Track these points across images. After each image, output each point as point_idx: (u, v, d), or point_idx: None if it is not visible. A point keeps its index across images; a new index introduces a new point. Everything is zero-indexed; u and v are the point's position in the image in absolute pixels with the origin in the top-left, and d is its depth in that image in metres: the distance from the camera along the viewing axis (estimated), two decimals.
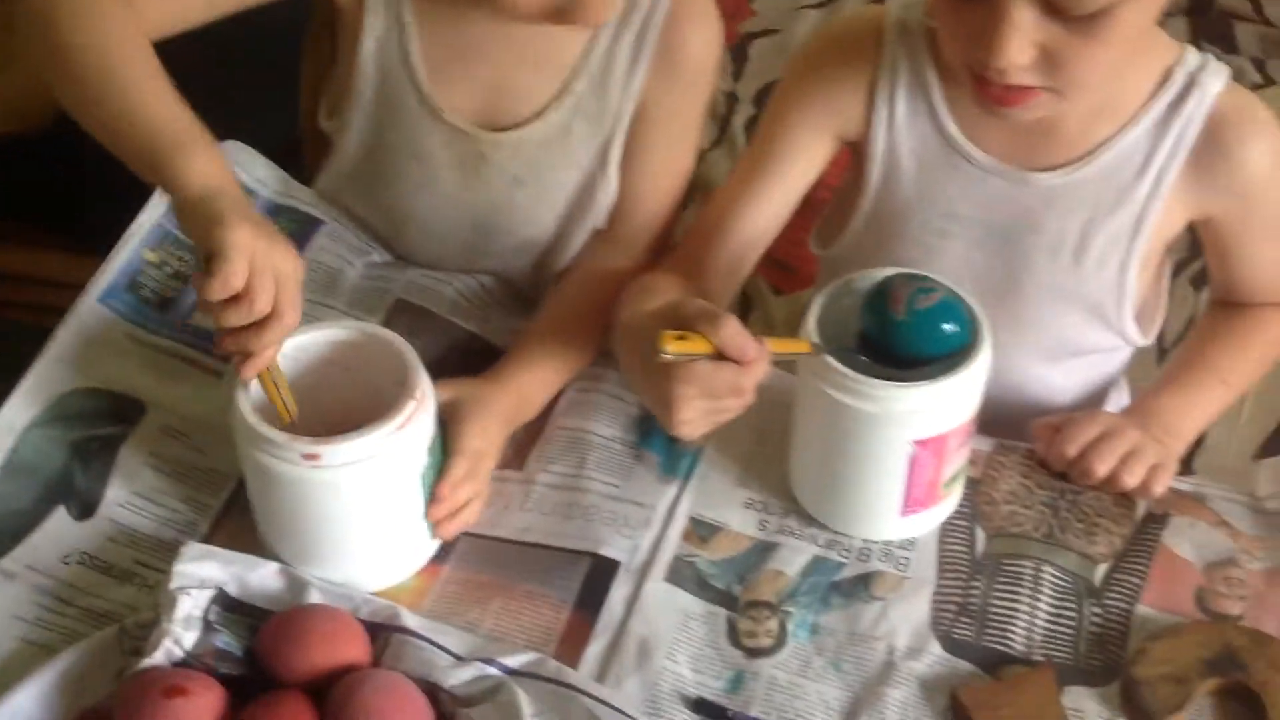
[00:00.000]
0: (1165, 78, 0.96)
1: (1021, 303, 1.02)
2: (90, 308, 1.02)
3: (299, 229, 1.09)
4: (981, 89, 0.90)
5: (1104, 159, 0.97)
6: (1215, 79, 0.96)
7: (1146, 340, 1.07)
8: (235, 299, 0.81)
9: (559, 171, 1.07)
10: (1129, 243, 0.99)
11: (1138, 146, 0.97)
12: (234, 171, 0.89)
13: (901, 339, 0.86)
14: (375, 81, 1.05)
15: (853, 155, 1.06)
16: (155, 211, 1.05)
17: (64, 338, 1.01)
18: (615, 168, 1.07)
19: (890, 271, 0.89)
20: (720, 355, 0.83)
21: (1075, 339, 1.05)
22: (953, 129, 0.99)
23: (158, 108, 0.87)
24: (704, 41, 1.05)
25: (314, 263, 1.08)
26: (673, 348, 0.82)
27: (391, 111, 1.06)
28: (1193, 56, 0.97)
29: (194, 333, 1.03)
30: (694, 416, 0.85)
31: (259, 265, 0.81)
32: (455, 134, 1.05)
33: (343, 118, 1.08)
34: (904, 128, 1.00)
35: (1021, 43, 0.84)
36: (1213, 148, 0.96)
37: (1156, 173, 0.97)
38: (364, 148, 1.09)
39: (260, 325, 0.82)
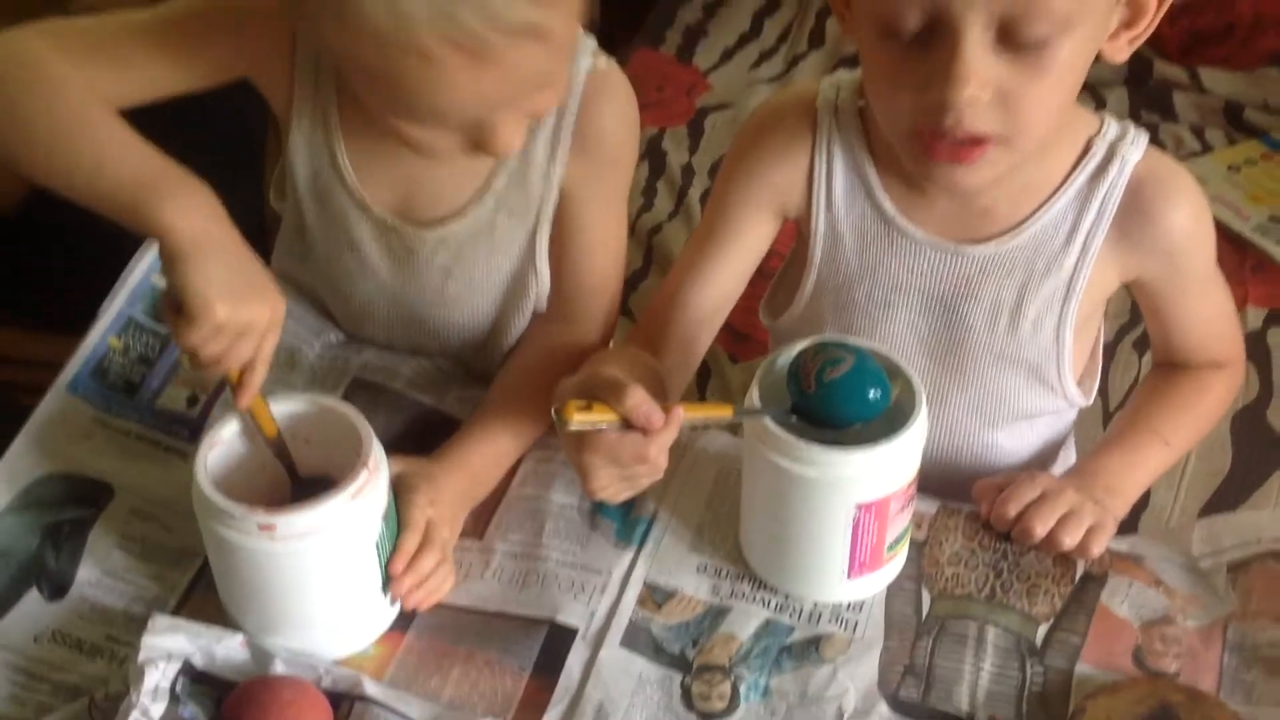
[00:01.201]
0: (1086, 149, 1.00)
1: (966, 367, 1.06)
2: (59, 396, 1.05)
3: None
4: (931, 151, 0.92)
5: (1032, 229, 1.01)
6: (1134, 148, 1.00)
7: (1086, 401, 1.11)
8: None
9: (487, 262, 1.09)
10: (1062, 306, 1.03)
11: (1064, 215, 1.01)
12: (223, 211, 0.88)
13: (816, 410, 0.89)
14: (308, 172, 1.06)
15: (796, 230, 1.10)
16: (119, 300, 1.08)
17: (34, 425, 1.03)
18: (545, 256, 1.09)
19: (806, 343, 0.92)
20: (629, 424, 0.86)
21: (1019, 401, 1.09)
22: (889, 207, 1.03)
23: (132, 156, 0.88)
24: (621, 120, 1.06)
25: None
26: (576, 418, 0.86)
27: (324, 201, 1.07)
28: (1112, 127, 1.01)
29: (159, 416, 1.06)
30: (606, 483, 0.90)
31: (228, 327, 0.84)
32: (383, 226, 1.07)
33: (285, 201, 1.11)
34: (842, 205, 1.04)
35: (980, 78, 0.87)
36: (1137, 212, 1.00)
37: (1084, 239, 1.01)
38: (305, 231, 1.11)
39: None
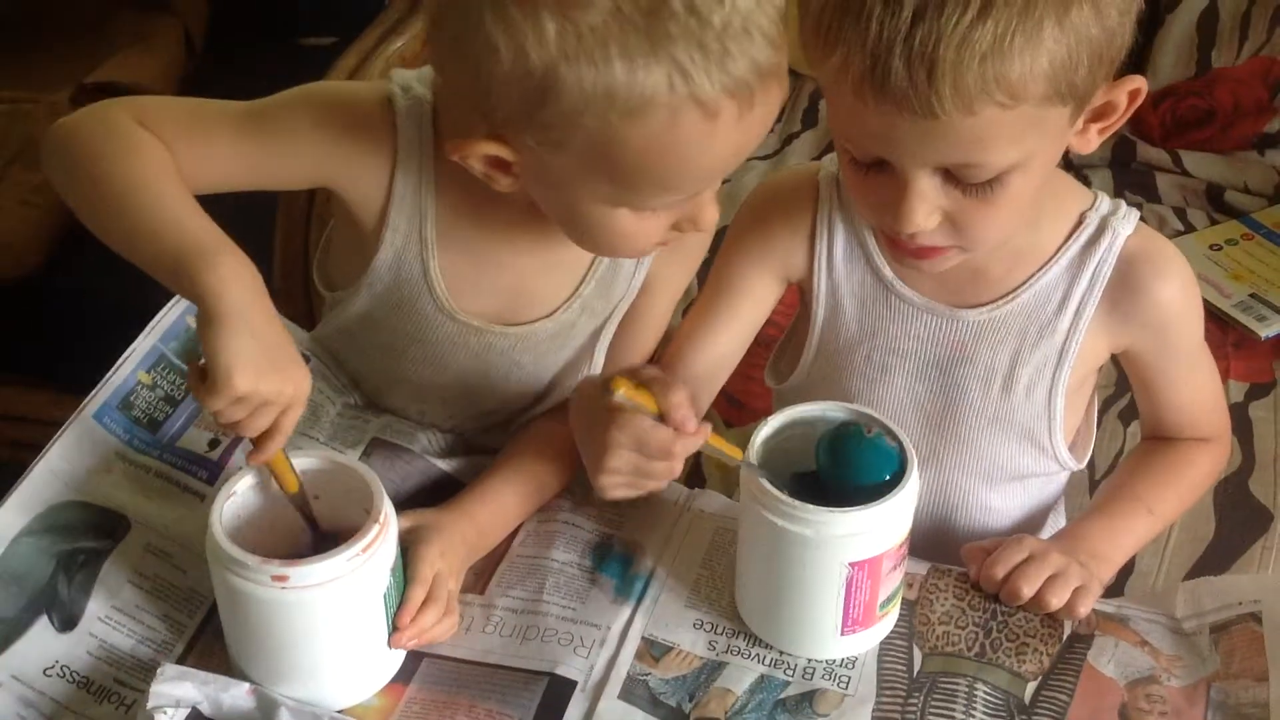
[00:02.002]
0: (1079, 222, 1.05)
1: (960, 430, 1.10)
2: (85, 423, 1.04)
3: None
4: (897, 248, 0.99)
5: (1025, 296, 1.05)
6: (1125, 222, 1.04)
7: (1079, 465, 1.14)
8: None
9: (555, 356, 1.12)
10: (1054, 372, 1.07)
11: (1056, 284, 1.05)
12: (263, 285, 0.88)
13: (828, 487, 0.94)
14: (389, 283, 1.06)
15: (800, 295, 1.14)
16: (153, 336, 1.08)
17: (59, 450, 1.02)
18: (605, 348, 1.12)
19: (834, 413, 0.96)
20: (663, 422, 0.90)
21: (1012, 463, 1.12)
22: (887, 272, 1.07)
23: (188, 223, 0.89)
24: (709, 219, 1.08)
25: None
26: (623, 390, 0.89)
27: (403, 306, 1.08)
28: (1105, 202, 1.06)
29: (181, 455, 1.06)
30: (620, 467, 0.92)
31: (248, 400, 0.86)
32: (467, 328, 1.09)
33: (344, 295, 1.10)
34: (842, 271, 1.08)
35: (927, 210, 0.93)
36: (1127, 285, 1.04)
37: (1076, 307, 1.05)
38: (365, 323, 1.10)
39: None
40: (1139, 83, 0.95)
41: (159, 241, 0.89)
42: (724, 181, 0.96)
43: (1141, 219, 1.06)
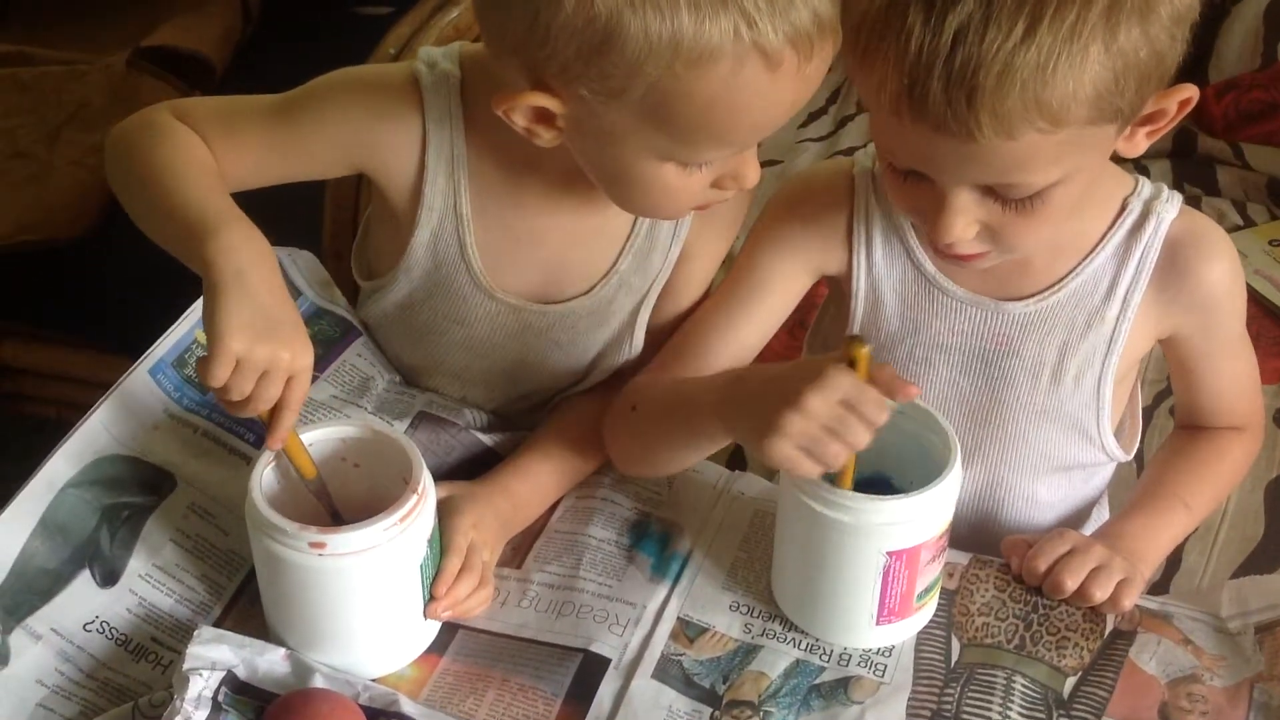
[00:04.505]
0: (1123, 208, 1.03)
1: (1006, 422, 1.08)
2: (140, 378, 1.04)
3: (339, 333, 1.14)
4: (935, 248, 0.98)
5: (1072, 286, 1.03)
6: (1169, 206, 1.02)
7: (1126, 456, 1.12)
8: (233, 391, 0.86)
9: (594, 334, 1.11)
10: (1103, 361, 1.05)
11: (1103, 272, 1.03)
12: (271, 257, 0.89)
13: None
14: (427, 265, 1.07)
15: (834, 289, 1.12)
16: None
17: (111, 403, 1.02)
18: (644, 326, 1.11)
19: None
20: None
21: (1059, 454, 1.10)
22: (929, 267, 1.05)
23: (200, 197, 0.90)
24: (752, 176, 1.06)
25: (350, 366, 1.12)
26: (864, 350, 0.86)
27: (442, 287, 1.08)
28: (1147, 187, 1.04)
29: (229, 416, 1.04)
30: (821, 413, 0.85)
31: (246, 365, 0.85)
32: (505, 307, 1.08)
33: (383, 282, 1.10)
34: (882, 267, 1.06)
35: (965, 222, 0.91)
36: (1174, 268, 1.03)
37: (1124, 293, 1.03)
38: (405, 309, 1.11)
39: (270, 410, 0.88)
40: (1191, 91, 0.92)
41: (174, 218, 0.90)
42: (777, 162, 0.95)
43: (1187, 204, 1.04)
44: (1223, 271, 1.03)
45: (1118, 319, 1.04)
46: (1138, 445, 1.14)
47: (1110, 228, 1.03)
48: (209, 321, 0.85)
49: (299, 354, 0.88)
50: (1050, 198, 0.91)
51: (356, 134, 1.01)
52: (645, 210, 1.02)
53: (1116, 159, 0.97)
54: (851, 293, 1.07)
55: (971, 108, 0.83)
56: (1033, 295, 1.04)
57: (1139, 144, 0.94)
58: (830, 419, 0.86)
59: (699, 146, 0.91)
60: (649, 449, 1.05)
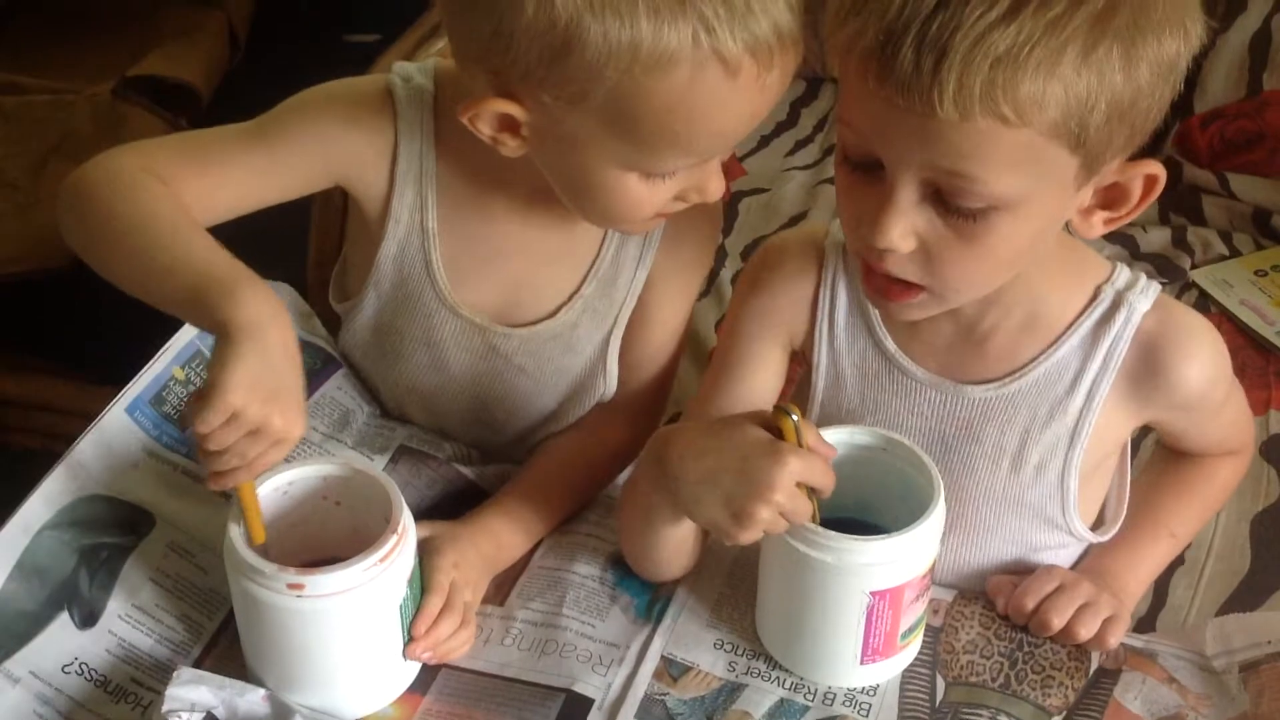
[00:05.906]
0: (1095, 295, 0.99)
1: (968, 508, 1.03)
2: (116, 417, 1.03)
3: (320, 365, 1.13)
4: (868, 279, 0.94)
5: (1035, 374, 0.99)
6: (1143, 297, 0.97)
7: (1101, 538, 1.07)
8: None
9: (560, 361, 1.11)
10: (1066, 452, 1.00)
11: (1068, 362, 0.99)
12: (287, 315, 0.87)
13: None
14: (394, 278, 1.07)
15: (801, 362, 1.09)
16: (192, 331, 1.07)
17: (88, 443, 1.02)
18: (615, 357, 1.11)
19: (860, 438, 0.95)
20: None
21: (1024, 539, 1.05)
22: (890, 345, 1.02)
23: (213, 257, 0.89)
24: (706, 215, 1.08)
25: (329, 399, 1.12)
26: (790, 421, 0.89)
27: (408, 305, 1.08)
28: (1123, 275, 0.99)
29: None
30: (775, 509, 0.88)
31: (242, 419, 0.83)
32: (470, 327, 1.08)
33: (355, 303, 1.11)
34: (844, 341, 1.03)
35: (904, 228, 0.87)
36: (1148, 366, 0.98)
37: (1088, 387, 0.99)
38: (375, 331, 1.11)
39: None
40: (1157, 169, 0.89)
41: (175, 278, 0.88)
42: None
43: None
44: (1202, 368, 0.99)
45: (1081, 412, 0.99)
46: (1120, 523, 1.08)
47: (1079, 315, 0.98)
48: (216, 369, 0.83)
49: (291, 425, 0.86)
50: (995, 225, 0.86)
51: (333, 142, 1.01)
52: (607, 220, 1.02)
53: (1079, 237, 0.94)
54: (813, 365, 1.05)
55: (937, 75, 0.80)
56: (994, 380, 1.00)
57: (1095, 227, 0.92)
58: (788, 500, 0.89)
59: (660, 155, 0.92)
60: (626, 542, 1.04)
